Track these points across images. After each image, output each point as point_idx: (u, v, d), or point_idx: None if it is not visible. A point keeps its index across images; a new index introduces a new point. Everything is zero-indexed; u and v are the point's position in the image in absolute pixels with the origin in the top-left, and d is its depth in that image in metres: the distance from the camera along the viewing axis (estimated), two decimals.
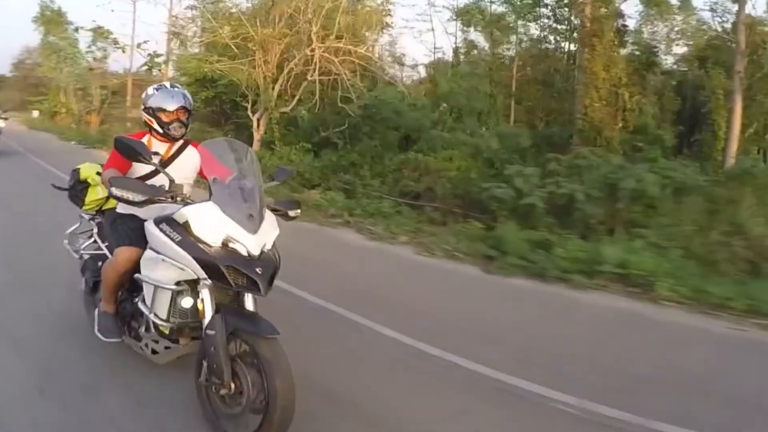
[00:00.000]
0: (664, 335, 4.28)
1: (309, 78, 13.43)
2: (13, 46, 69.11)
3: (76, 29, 28.35)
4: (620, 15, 15.12)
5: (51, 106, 33.08)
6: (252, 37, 12.40)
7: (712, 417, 2.95)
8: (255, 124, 14.15)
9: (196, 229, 2.41)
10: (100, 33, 28.16)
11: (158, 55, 22.02)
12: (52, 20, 28.86)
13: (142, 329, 2.82)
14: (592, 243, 5.91)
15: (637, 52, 15.48)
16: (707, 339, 4.19)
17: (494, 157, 9.63)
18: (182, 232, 2.45)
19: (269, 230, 2.51)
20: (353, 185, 10.16)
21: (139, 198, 2.43)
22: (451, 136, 9.73)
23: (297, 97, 13.42)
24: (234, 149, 2.65)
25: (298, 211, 3.00)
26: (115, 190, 2.41)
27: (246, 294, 2.48)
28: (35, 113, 35.48)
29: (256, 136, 14.08)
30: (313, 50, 12.30)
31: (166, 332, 2.71)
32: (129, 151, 2.51)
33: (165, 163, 2.97)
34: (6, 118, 15.06)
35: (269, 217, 2.57)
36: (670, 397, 3.17)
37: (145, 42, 24.61)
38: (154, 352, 2.83)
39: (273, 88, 13.10)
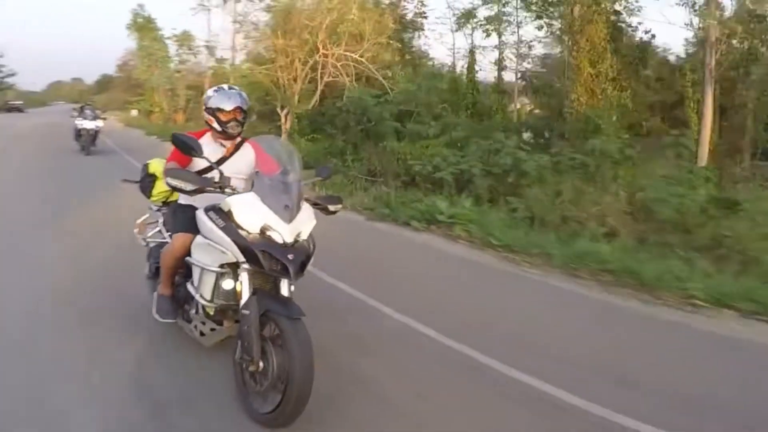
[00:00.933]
0: (432, 257, 6.58)
1: (326, 79, 16.44)
2: (120, 47, 77.59)
3: (156, 38, 32.77)
4: (615, 12, 16.41)
5: (147, 105, 38.44)
6: (274, 46, 15.55)
7: (396, 296, 5.00)
8: (283, 118, 17.36)
9: (238, 217, 2.73)
10: (184, 39, 32.81)
11: (224, 60, 26.01)
12: (143, 27, 33.69)
13: (193, 311, 3.18)
14: (441, 200, 8.17)
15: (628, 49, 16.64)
16: (452, 260, 6.39)
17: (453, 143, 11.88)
18: (226, 219, 2.78)
19: (305, 221, 2.82)
20: (337, 166, 12.86)
21: (189, 187, 2.76)
22: (401, 125, 12.15)
23: (316, 96, 16.44)
24: (280, 146, 3.12)
25: (339, 206, 3.30)
26: (169, 180, 2.76)
27: (282, 280, 2.75)
28: (134, 112, 40.27)
29: (283, 129, 17.27)
30: (322, 56, 15.23)
31: (211, 313, 3.05)
32: (183, 146, 2.88)
33: (224, 159, 3.31)
34: (105, 118, 16.64)
35: (306, 209, 2.88)
36: (377, 281, 5.40)
37: (213, 48, 28.54)
38: (201, 333, 3.19)
39: (293, 89, 16.22)
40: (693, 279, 5.21)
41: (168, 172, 2.80)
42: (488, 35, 19.20)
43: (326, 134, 14.62)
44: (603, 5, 14.76)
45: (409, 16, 24.50)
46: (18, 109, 55.70)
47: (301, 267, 2.70)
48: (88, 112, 15.33)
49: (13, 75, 63.20)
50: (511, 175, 9.25)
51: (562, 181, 8.76)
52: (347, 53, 14.84)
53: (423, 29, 25.57)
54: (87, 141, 15.18)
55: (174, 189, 2.84)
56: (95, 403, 2.95)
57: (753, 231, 6.57)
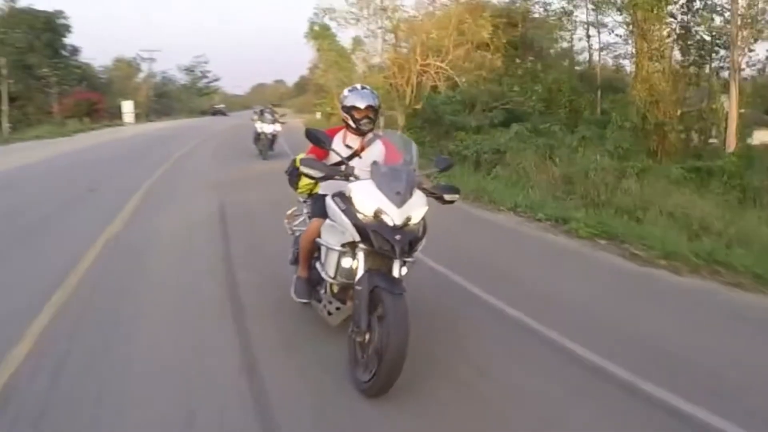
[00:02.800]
0: None
1: (431, 84, 22.35)
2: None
3: (331, 45, 39.63)
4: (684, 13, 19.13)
5: (327, 108, 43.55)
6: (390, 59, 21.90)
7: None
8: (399, 117, 23.62)
9: (356, 201, 3.36)
10: (355, 46, 39.91)
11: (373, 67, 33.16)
12: (320, 35, 37.86)
13: (322, 291, 3.94)
14: None
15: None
16: None
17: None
18: (347, 203, 3.43)
19: (415, 206, 3.36)
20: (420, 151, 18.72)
21: (318, 174, 3.54)
22: (459, 119, 17.34)
23: (423, 98, 22.38)
24: (403, 141, 3.97)
25: (456, 196, 3.79)
26: (302, 167, 3.56)
27: (394, 262, 3.31)
28: (318, 114, 45.37)
29: (399, 126, 23.50)
30: (421, 66, 21.14)
31: (335, 291, 3.80)
32: (315, 139, 3.67)
33: (356, 153, 3.98)
34: (283, 122, 17.15)
35: (418, 196, 3.42)
36: None
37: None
38: (329, 313, 3.89)
39: (405, 92, 22.40)
40: (514, 198, 10.04)
41: (302, 161, 3.61)
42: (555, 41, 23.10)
43: (418, 128, 20.39)
44: (663, 10, 18.05)
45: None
46: (221, 113, 65.81)
47: (410, 248, 3.31)
48: (267, 115, 16.09)
49: (217, 80, 77.73)
50: (508, 152, 14.22)
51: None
52: (437, 63, 20.50)
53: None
54: (265, 145, 16.02)
55: (306, 176, 3.64)
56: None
57: (602, 182, 10.92)
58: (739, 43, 15.95)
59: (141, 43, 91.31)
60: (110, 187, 11.39)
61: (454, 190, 3.81)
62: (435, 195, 3.66)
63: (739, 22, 15.79)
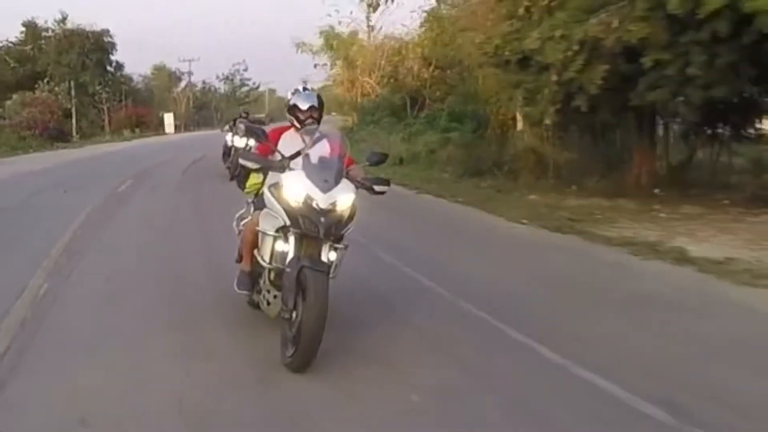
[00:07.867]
0: None
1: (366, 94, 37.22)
2: None
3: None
4: None
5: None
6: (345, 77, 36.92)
7: None
8: (353, 119, 38.14)
9: (287, 189, 4.17)
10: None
11: None
12: (339, 44, 38.83)
13: (262, 282, 4.71)
14: None
15: None
16: None
17: None
18: (280, 191, 4.23)
19: (341, 193, 4.17)
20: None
21: (255, 165, 4.53)
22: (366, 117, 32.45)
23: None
24: (342, 138, 4.71)
25: (385, 188, 4.62)
26: (240, 159, 4.53)
27: (323, 247, 4.17)
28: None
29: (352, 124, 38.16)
30: (362, 81, 35.96)
31: (272, 278, 4.52)
32: (252, 134, 4.76)
33: (301, 151, 4.60)
34: None
35: (345, 184, 4.24)
36: None
37: None
38: (267, 303, 4.66)
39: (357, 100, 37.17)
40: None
41: (240, 155, 4.65)
42: None
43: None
44: None
45: None
46: (261, 122, 71.67)
47: (336, 232, 4.20)
48: (241, 126, 15.16)
49: (257, 87, 79.55)
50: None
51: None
52: (368, 80, 35.05)
53: None
54: (235, 162, 12.32)
55: (244, 167, 4.69)
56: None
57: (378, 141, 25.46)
58: None
59: (178, 52, 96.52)
60: (162, 153, 28.82)
61: (385, 182, 4.67)
62: (365, 186, 4.52)
63: None
